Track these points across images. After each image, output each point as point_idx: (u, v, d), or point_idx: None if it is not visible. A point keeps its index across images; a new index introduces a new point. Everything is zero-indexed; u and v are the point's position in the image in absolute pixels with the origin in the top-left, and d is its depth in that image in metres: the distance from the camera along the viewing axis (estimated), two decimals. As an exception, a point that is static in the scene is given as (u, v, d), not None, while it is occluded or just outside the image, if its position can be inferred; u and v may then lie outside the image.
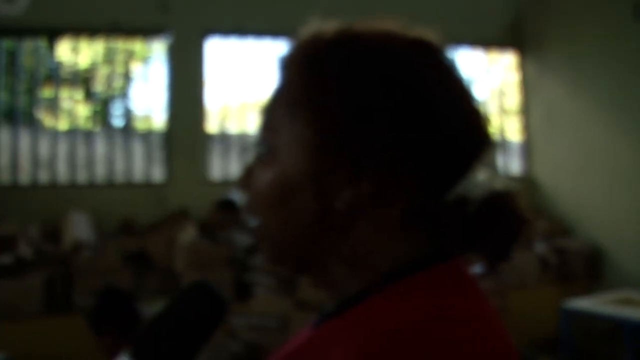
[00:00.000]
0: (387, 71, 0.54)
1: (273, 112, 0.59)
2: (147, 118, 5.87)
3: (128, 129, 5.49)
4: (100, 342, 2.09)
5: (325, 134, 0.54)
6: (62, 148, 5.13)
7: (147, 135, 5.44)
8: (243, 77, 5.45)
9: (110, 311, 2.11)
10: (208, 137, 5.36)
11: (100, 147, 5.24)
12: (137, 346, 0.57)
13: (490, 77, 6.38)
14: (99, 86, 5.60)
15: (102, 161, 5.20)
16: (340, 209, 0.54)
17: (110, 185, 5.15)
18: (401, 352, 0.46)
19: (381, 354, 0.46)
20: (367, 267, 0.55)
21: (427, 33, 0.58)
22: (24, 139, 5.07)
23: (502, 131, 6.28)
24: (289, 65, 0.59)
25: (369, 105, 0.53)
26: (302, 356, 0.54)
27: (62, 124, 5.42)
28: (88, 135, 5.30)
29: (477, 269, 0.57)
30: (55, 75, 5.36)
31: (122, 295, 2.20)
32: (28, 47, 5.27)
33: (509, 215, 0.54)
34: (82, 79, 5.71)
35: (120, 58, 5.44)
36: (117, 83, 5.70)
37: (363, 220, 0.54)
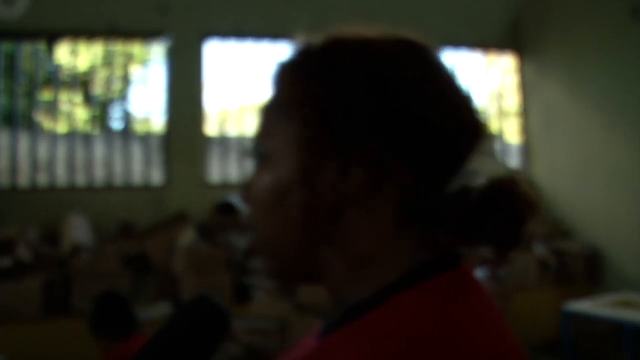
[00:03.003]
0: (371, 68, 0.55)
1: (267, 117, 0.61)
2: (146, 121, 5.88)
3: (127, 132, 5.49)
4: (100, 344, 2.22)
5: (314, 129, 0.55)
6: (62, 151, 5.13)
7: (147, 138, 5.44)
8: (242, 80, 5.45)
9: (109, 315, 2.23)
10: (207, 140, 5.36)
11: (99, 150, 5.24)
12: None
13: (490, 80, 6.39)
14: (98, 89, 5.60)
15: (102, 164, 5.20)
16: (333, 203, 0.54)
17: (109, 188, 5.15)
18: None
19: None
20: (371, 271, 0.55)
21: (411, 34, 0.60)
22: (23, 142, 5.07)
23: (501, 133, 6.28)
24: (281, 75, 0.61)
25: (355, 100, 0.54)
26: None
27: (62, 127, 5.42)
28: (87, 138, 5.30)
29: (481, 273, 0.57)
30: (55, 79, 5.36)
31: (120, 299, 2.30)
32: (27, 50, 5.27)
33: (514, 200, 0.54)
34: (82, 82, 5.72)
35: (119, 61, 5.44)
36: (117, 86, 5.70)
37: (358, 216, 0.54)
